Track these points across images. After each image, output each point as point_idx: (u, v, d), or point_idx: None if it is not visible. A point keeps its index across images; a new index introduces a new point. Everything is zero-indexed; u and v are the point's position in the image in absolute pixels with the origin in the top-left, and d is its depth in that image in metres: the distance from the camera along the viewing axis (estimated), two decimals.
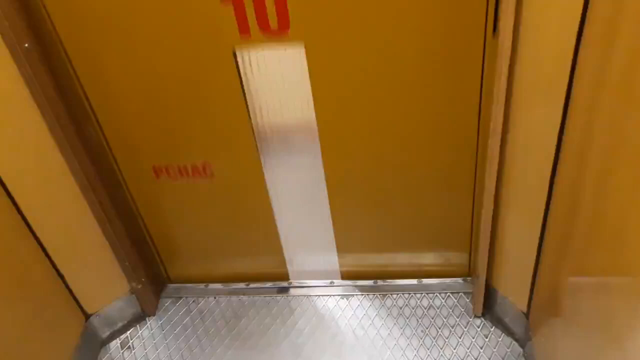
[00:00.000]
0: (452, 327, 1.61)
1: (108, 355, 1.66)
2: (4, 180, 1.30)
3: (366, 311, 1.68)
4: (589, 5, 0.95)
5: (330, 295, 1.74)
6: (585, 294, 1.02)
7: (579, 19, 0.97)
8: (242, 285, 1.81)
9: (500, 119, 1.18)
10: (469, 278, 1.72)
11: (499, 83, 1.14)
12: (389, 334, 1.62)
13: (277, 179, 1.52)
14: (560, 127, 1.12)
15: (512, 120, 1.20)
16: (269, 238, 1.67)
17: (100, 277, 1.61)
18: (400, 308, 1.68)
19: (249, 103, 1.36)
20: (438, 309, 1.66)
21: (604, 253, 0.91)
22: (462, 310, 1.65)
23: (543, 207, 1.26)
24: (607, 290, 0.91)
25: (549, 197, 1.23)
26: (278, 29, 1.23)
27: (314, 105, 1.35)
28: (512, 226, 1.38)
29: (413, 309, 1.67)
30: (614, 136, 0.86)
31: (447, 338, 1.58)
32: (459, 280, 1.73)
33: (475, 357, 1.53)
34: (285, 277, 1.79)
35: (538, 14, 1.03)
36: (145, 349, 1.66)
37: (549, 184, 1.21)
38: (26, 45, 1.19)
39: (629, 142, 0.80)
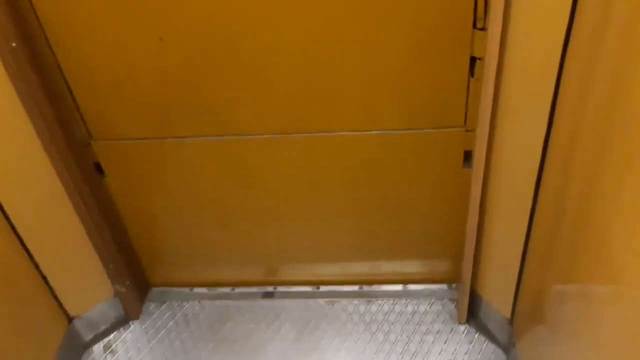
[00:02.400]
0: (437, 334, 1.61)
1: (91, 358, 1.65)
2: None
3: (351, 316, 1.69)
4: (576, 14, 0.96)
5: (316, 301, 1.74)
6: (568, 301, 1.03)
7: (565, 27, 0.99)
8: (227, 289, 1.80)
9: (487, 126, 1.19)
10: (454, 284, 1.73)
11: (486, 89, 1.14)
12: (373, 339, 1.62)
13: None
14: (546, 135, 1.13)
15: (499, 127, 1.21)
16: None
17: (84, 280, 1.60)
18: (385, 314, 1.68)
19: None
20: (423, 315, 1.67)
21: (587, 261, 0.92)
22: (447, 316, 1.66)
23: (528, 214, 1.27)
24: (590, 298, 0.92)
25: (533, 204, 1.24)
26: None
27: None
28: (497, 233, 1.39)
29: (398, 314, 1.68)
30: (598, 145, 0.87)
31: (431, 344, 1.59)
32: (444, 286, 1.73)
33: None
34: (270, 282, 1.79)
35: (525, 20, 1.04)
36: (129, 353, 1.65)
37: (534, 192, 1.23)
38: (13, 44, 1.18)
39: (613, 151, 0.81)
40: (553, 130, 1.11)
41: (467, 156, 1.39)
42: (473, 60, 1.21)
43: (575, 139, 0.98)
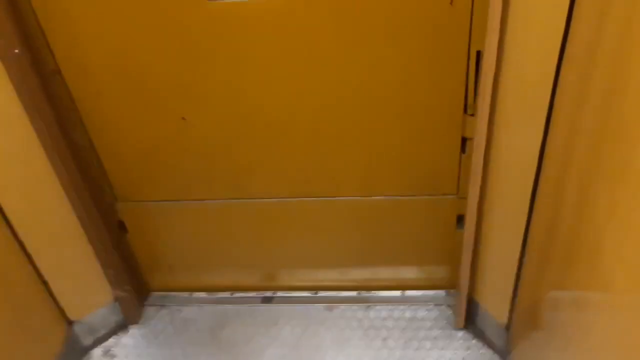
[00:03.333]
0: (434, 339, 1.62)
1: None
2: None
3: (349, 322, 1.69)
4: (570, 29, 0.97)
5: (314, 306, 1.75)
6: (563, 308, 1.04)
7: (560, 41, 1.00)
8: (226, 294, 1.81)
9: (484, 135, 1.20)
10: (452, 290, 1.73)
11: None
12: (371, 345, 1.63)
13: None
14: (542, 145, 1.14)
15: (495, 136, 1.22)
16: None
17: (84, 284, 1.61)
18: (383, 319, 1.69)
19: None
20: (420, 320, 1.68)
21: (581, 268, 0.93)
22: (444, 322, 1.67)
23: (524, 222, 1.28)
24: (585, 305, 0.93)
25: (530, 212, 1.26)
26: None
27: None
28: (494, 240, 1.40)
29: (396, 320, 1.68)
30: (592, 156, 0.88)
31: (428, 350, 1.60)
32: (442, 292, 1.74)
33: None
34: (269, 287, 1.80)
35: (521, 33, 1.06)
36: (128, 358, 1.66)
37: (530, 200, 1.24)
38: (16, 51, 1.19)
39: (606, 162, 0.82)
40: (548, 141, 1.12)
41: (460, 219, 1.52)
42: (464, 139, 1.36)
43: (570, 150, 0.99)
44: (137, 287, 1.75)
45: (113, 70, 1.30)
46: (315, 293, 1.78)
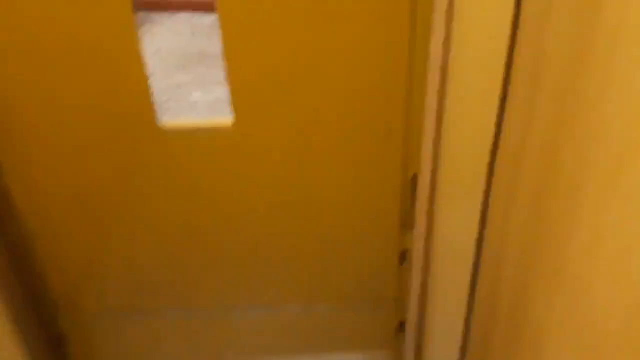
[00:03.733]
0: None
1: None
2: None
3: None
4: (500, 143, 1.04)
5: None
6: None
7: (489, 157, 1.08)
8: None
9: (424, 220, 1.24)
10: None
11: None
12: None
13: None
14: (476, 252, 1.21)
15: (436, 219, 1.26)
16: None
17: None
18: None
19: None
20: None
21: (523, 353, 0.95)
22: None
23: (466, 307, 1.30)
24: None
25: (471, 296, 1.28)
26: None
27: None
28: (438, 325, 1.41)
29: None
30: (526, 257, 0.92)
31: None
32: None
33: None
34: None
35: (454, 156, 1.12)
36: None
37: (470, 285, 1.27)
38: None
39: (539, 264, 0.86)
40: (487, 227, 1.16)
41: (402, 322, 1.55)
42: (403, 251, 1.43)
43: (504, 255, 1.04)
44: None
45: (59, 184, 1.30)
46: None
